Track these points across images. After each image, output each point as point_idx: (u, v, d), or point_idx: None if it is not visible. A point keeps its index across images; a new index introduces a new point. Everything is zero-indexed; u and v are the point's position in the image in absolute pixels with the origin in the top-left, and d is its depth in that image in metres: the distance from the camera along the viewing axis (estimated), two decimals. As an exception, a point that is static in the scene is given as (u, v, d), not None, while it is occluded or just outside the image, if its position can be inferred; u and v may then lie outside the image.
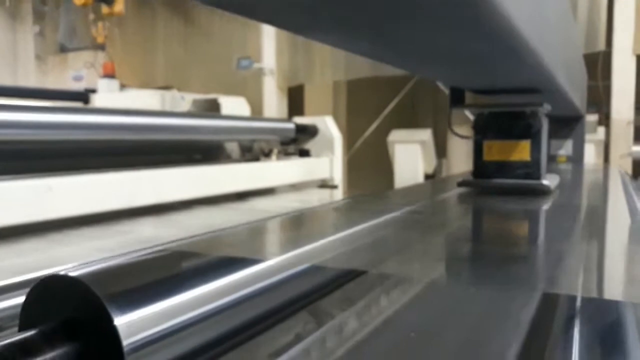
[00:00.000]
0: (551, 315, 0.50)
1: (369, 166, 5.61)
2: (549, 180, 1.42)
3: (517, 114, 1.41)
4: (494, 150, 1.43)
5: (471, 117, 1.61)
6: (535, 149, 1.39)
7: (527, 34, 0.68)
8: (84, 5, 5.16)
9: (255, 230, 0.94)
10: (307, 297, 0.77)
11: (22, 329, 0.51)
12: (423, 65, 1.02)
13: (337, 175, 3.49)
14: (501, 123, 1.42)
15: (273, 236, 0.95)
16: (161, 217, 2.19)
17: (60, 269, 0.53)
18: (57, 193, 1.87)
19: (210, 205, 2.52)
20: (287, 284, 0.74)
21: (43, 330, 0.49)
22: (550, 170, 1.79)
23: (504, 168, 1.42)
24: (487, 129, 1.44)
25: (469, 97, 1.51)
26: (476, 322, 0.61)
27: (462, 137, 1.71)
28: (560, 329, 0.46)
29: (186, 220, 2.18)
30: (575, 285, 0.60)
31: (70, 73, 6.55)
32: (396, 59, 0.90)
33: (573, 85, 1.79)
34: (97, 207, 1.99)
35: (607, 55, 4.18)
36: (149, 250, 0.70)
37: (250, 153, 3.46)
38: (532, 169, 1.39)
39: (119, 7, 5.35)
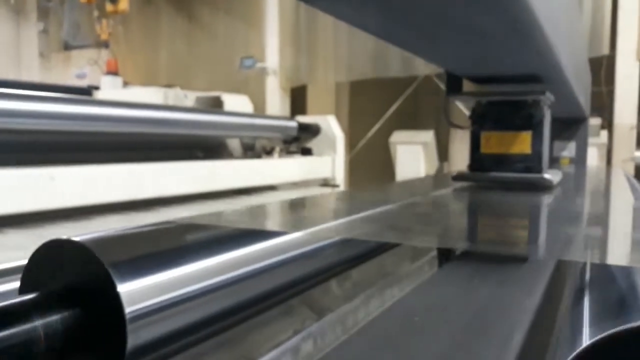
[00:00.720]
0: (562, 282, 0.50)
1: (370, 167, 5.61)
2: (551, 175, 1.32)
3: (518, 103, 1.29)
4: (492, 142, 1.33)
5: (467, 112, 1.52)
6: (537, 141, 1.28)
7: (536, 9, 0.68)
8: (88, 2, 5.18)
9: (264, 210, 0.97)
10: (320, 273, 0.77)
11: (22, 292, 0.50)
12: (428, 42, 0.97)
13: (339, 174, 3.49)
14: (500, 113, 1.31)
15: (279, 216, 0.97)
16: (159, 212, 2.18)
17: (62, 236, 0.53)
18: (60, 183, 1.87)
19: (211, 200, 2.52)
20: (305, 257, 0.74)
21: (44, 294, 0.49)
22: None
23: (503, 161, 1.31)
24: (485, 119, 1.33)
25: (467, 87, 1.43)
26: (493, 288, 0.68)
27: (458, 127, 1.60)
28: (572, 294, 0.47)
29: (182, 214, 2.18)
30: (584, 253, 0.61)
31: (74, 70, 6.56)
32: (402, 34, 0.88)
33: (578, 80, 1.75)
34: (98, 199, 1.99)
35: (610, 60, 4.19)
36: (156, 223, 0.70)
37: (252, 151, 3.46)
38: (532, 162, 1.29)
39: (123, 4, 5.37)
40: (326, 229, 0.76)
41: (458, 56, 1.12)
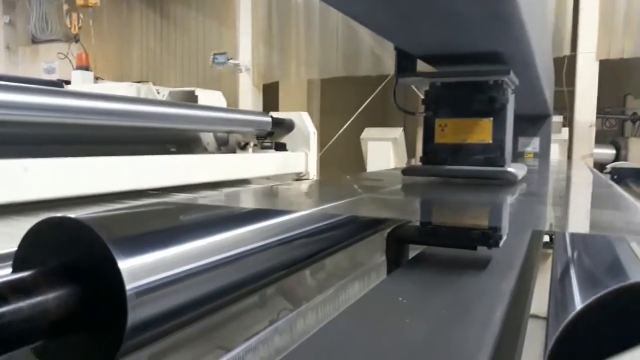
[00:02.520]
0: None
1: (342, 163, 5.69)
2: (516, 169, 1.15)
3: (478, 86, 1.11)
4: (448, 131, 1.15)
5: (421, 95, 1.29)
6: (499, 129, 1.11)
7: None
8: (58, -5, 5.09)
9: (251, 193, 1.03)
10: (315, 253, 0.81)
11: (15, 271, 0.50)
12: (382, 13, 0.86)
13: (312, 169, 3.54)
14: (457, 97, 1.13)
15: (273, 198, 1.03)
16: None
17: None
18: (33, 174, 1.87)
19: (186, 193, 2.54)
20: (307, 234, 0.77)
21: (42, 270, 0.49)
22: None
23: (460, 152, 1.13)
24: (439, 103, 1.15)
25: (421, 69, 1.26)
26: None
27: (408, 112, 1.40)
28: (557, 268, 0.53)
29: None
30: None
31: (42, 65, 6.43)
32: (354, 5, 0.83)
33: (545, 72, 1.71)
34: (72, 191, 1.99)
35: (572, 60, 4.36)
36: (153, 203, 0.71)
37: (227, 146, 3.48)
38: (494, 154, 1.11)
39: (93, -2, 5.30)
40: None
41: (412, 29, 0.97)
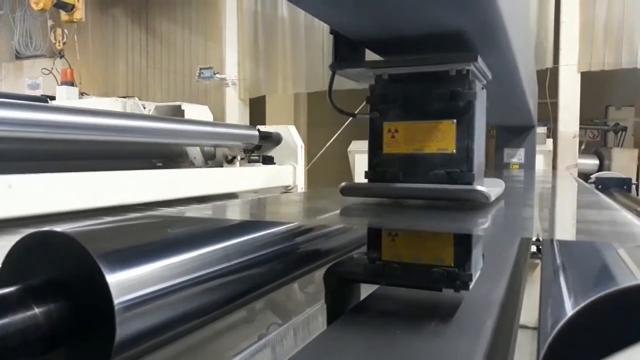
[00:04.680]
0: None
1: (329, 176, 5.70)
2: (488, 186, 0.87)
3: (436, 78, 0.85)
4: (400, 137, 0.87)
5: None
6: (465, 134, 0.83)
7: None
8: (42, 10, 5.06)
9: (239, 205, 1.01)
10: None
11: (1, 286, 0.49)
12: None
13: (300, 182, 3.54)
14: (410, 93, 0.87)
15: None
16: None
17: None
18: (18, 191, 1.85)
19: (172, 207, 2.52)
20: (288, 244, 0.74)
21: (29, 285, 0.48)
22: (500, 176, 1.45)
23: (415, 165, 0.87)
24: (388, 102, 0.88)
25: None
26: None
27: (345, 113, 1.07)
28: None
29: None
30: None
31: (26, 80, 6.38)
32: None
33: (528, 82, 1.67)
34: (57, 207, 1.96)
35: (554, 72, 4.43)
36: (141, 216, 0.70)
37: (214, 160, 3.47)
38: (458, 167, 0.83)
39: (78, 14, 5.28)
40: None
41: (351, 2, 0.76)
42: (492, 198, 0.85)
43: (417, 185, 0.86)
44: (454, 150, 0.84)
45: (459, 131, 0.84)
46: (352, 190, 0.93)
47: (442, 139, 0.85)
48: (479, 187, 0.83)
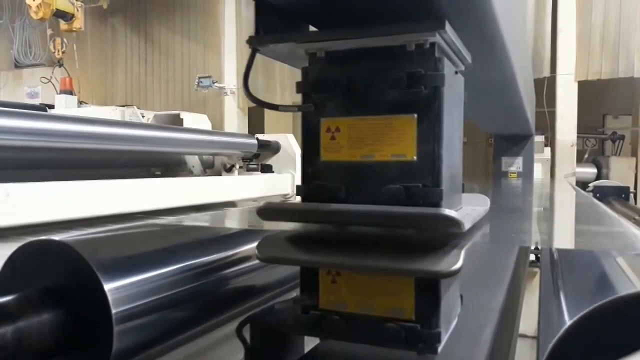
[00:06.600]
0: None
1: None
2: (466, 206, 0.67)
3: (390, 55, 0.58)
4: (343, 139, 0.61)
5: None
6: (429, 133, 0.57)
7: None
8: (42, 20, 5.08)
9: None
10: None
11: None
12: None
13: (298, 191, 3.54)
14: (356, 77, 0.60)
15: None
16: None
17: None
18: (16, 199, 1.85)
19: (172, 216, 2.52)
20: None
21: (26, 294, 0.48)
22: (496, 187, 1.35)
23: (363, 178, 0.60)
24: (326, 90, 0.60)
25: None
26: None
27: (266, 105, 0.66)
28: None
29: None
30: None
31: (25, 89, 6.39)
32: None
33: (525, 90, 1.64)
34: (56, 216, 1.96)
35: (552, 81, 4.45)
36: (140, 225, 0.70)
37: (212, 168, 3.48)
38: (419, 180, 0.57)
39: (77, 23, 5.30)
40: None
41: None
42: (467, 226, 0.56)
43: (363, 207, 0.57)
44: (414, 157, 0.57)
45: (421, 130, 0.57)
46: (276, 213, 0.62)
47: (398, 140, 0.58)
48: (447, 212, 0.54)
